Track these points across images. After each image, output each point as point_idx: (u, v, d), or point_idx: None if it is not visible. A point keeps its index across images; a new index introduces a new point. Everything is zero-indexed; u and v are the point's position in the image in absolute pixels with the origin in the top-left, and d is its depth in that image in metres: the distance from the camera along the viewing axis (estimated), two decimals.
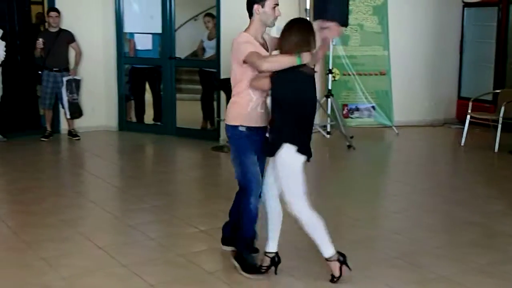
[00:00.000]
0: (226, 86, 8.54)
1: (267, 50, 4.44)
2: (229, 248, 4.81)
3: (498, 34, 10.32)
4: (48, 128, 9.36)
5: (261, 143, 4.42)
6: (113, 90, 9.91)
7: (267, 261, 4.48)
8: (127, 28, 9.85)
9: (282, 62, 4.15)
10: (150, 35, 9.85)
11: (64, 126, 9.65)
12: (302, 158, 4.30)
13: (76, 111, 9.28)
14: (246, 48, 4.25)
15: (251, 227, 4.55)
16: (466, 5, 10.76)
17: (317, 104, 4.29)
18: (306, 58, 4.11)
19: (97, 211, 5.99)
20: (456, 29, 10.86)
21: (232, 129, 4.42)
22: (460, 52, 10.94)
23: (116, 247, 4.96)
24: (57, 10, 9.12)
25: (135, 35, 9.98)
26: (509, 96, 8.98)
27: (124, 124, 9.98)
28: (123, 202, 6.45)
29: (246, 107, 4.37)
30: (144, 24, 9.84)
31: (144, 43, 9.88)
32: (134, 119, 10.24)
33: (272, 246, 4.48)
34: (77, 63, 9.29)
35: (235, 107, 4.43)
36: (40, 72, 9.27)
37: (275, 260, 4.48)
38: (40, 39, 8.92)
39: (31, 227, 5.40)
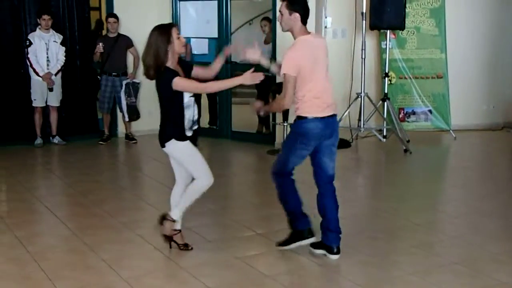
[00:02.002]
0: (281, 89, 8.60)
1: None
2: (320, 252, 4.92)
3: None
4: (106, 132, 9.54)
5: None
6: None
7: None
8: (184, 33, 9.86)
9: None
10: (206, 40, 9.94)
11: (121, 129, 9.83)
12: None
13: (134, 114, 9.38)
14: None
15: None
16: None
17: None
18: None
19: (155, 214, 6.05)
20: None
21: None
22: None
23: (174, 250, 5.01)
24: (115, 16, 9.29)
25: (192, 39, 10.09)
26: None
27: None
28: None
29: None
30: (200, 28, 9.95)
31: (200, 48, 9.98)
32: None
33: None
34: (135, 67, 9.40)
35: None
36: (99, 77, 9.46)
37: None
38: (100, 44, 9.09)
39: (92, 229, 5.52)
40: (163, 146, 4.81)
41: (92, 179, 7.42)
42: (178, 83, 4.60)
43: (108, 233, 5.43)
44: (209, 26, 9.63)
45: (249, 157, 8.78)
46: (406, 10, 9.24)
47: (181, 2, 9.97)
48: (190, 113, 4.76)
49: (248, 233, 5.42)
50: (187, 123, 4.75)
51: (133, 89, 9.28)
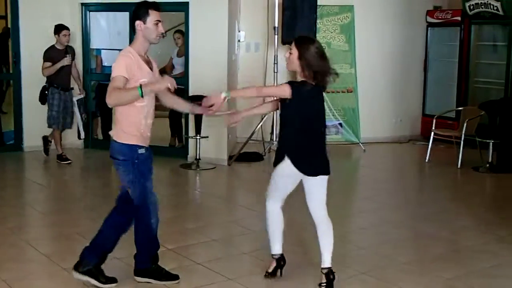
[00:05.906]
0: (195, 102, 8.53)
1: (151, 68, 4.55)
2: (144, 280, 4.69)
3: (460, 53, 10.52)
4: (59, 151, 8.71)
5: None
6: None
7: (273, 264, 4.75)
8: (94, 44, 9.77)
9: (125, 97, 4.42)
10: (118, 51, 9.75)
11: (27, 143, 9.45)
12: (292, 168, 4.56)
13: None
14: (119, 67, 4.43)
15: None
16: (430, 25, 10.92)
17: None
18: (145, 88, 4.29)
19: (61, 231, 5.89)
20: (421, 48, 11.02)
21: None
22: (424, 70, 11.09)
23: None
24: (68, 28, 8.69)
25: (102, 51, 9.91)
26: (471, 113, 9.10)
27: (90, 141, 9.80)
28: (92, 222, 6.30)
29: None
30: (111, 40, 9.78)
31: (111, 59, 9.75)
32: (100, 137, 10.08)
33: (276, 249, 4.73)
34: (80, 80, 9.16)
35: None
36: (46, 92, 8.69)
37: (281, 263, 4.77)
38: (68, 55, 8.58)
39: None
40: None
41: None
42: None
43: (10, 251, 5.20)
44: (120, 37, 9.44)
45: (162, 171, 8.63)
46: (317, 26, 9.40)
47: (91, 13, 9.75)
48: None
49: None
50: None
51: (84, 104, 9.12)
